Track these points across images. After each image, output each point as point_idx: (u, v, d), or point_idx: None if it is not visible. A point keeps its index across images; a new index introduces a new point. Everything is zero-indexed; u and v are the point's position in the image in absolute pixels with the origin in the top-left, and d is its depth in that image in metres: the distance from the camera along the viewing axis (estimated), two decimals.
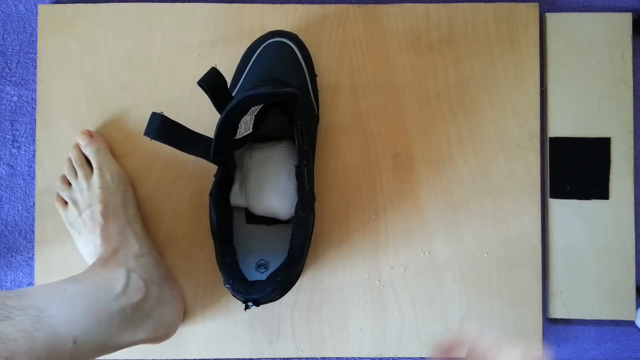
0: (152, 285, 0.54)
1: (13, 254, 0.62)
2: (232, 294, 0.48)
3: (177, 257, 0.60)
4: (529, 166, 0.60)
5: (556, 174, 0.61)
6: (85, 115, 0.60)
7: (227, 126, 0.46)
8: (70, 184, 0.58)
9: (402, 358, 0.60)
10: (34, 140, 0.62)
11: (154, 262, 0.56)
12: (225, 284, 0.49)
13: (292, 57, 0.56)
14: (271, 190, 0.54)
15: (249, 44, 0.58)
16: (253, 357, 0.60)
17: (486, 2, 0.61)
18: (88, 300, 0.46)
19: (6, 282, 0.62)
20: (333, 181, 0.60)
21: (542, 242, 0.60)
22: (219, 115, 0.46)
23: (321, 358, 0.61)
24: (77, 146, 0.58)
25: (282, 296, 0.52)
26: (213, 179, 0.52)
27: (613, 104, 0.61)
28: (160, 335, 0.54)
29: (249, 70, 0.56)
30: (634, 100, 0.61)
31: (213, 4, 0.61)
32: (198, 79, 0.44)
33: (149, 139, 0.45)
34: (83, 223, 0.55)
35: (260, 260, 0.56)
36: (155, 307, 0.53)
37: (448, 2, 0.61)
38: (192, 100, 0.60)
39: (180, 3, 0.61)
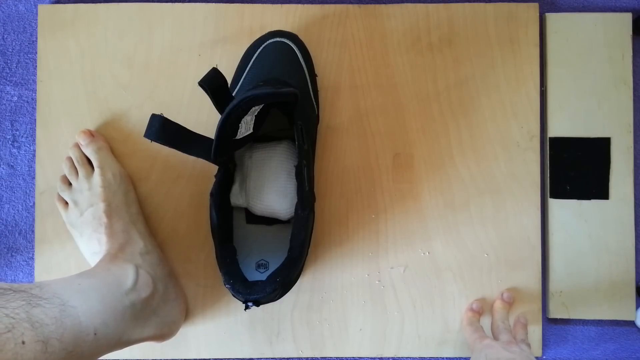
0: (158, 282, 0.54)
1: (13, 254, 0.62)
2: (232, 294, 0.49)
3: (177, 257, 0.60)
4: (529, 166, 0.60)
5: (556, 174, 0.61)
6: (85, 115, 0.60)
7: (227, 127, 0.46)
8: (70, 184, 0.58)
9: (402, 358, 0.60)
10: (34, 140, 0.62)
11: (159, 259, 0.57)
12: (225, 284, 0.49)
13: (292, 57, 0.56)
14: (271, 190, 0.54)
15: (249, 44, 0.58)
16: (253, 357, 0.60)
17: (486, 2, 0.61)
18: (103, 294, 0.47)
19: (6, 282, 0.62)
20: (333, 181, 0.60)
21: (542, 242, 0.60)
22: (220, 116, 0.46)
23: (321, 358, 0.61)
24: (78, 145, 0.58)
25: (282, 296, 0.52)
26: (213, 179, 0.52)
27: (613, 104, 0.61)
28: (165, 332, 0.54)
29: (249, 70, 0.56)
30: (634, 100, 0.61)
31: (213, 4, 0.61)
32: (198, 79, 0.44)
33: (149, 140, 0.45)
34: (85, 222, 0.55)
35: (260, 260, 0.56)
36: (161, 305, 0.53)
37: (448, 2, 0.61)
38: (192, 101, 0.60)
39: (180, 3, 0.61)
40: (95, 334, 0.43)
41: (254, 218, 0.57)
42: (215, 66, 0.46)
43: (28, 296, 0.40)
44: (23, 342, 0.36)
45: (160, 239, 0.60)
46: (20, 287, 0.41)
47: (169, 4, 0.61)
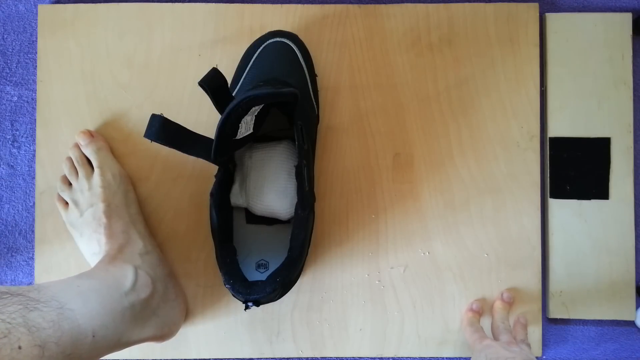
0: (158, 282, 0.54)
1: (13, 254, 0.62)
2: (232, 294, 0.49)
3: (177, 257, 0.60)
4: (529, 166, 0.60)
5: (556, 174, 0.61)
6: (85, 115, 0.60)
7: (227, 127, 0.46)
8: (70, 184, 0.58)
9: (402, 358, 0.60)
10: (34, 140, 0.62)
11: (159, 260, 0.57)
12: (225, 284, 0.49)
13: (292, 57, 0.56)
14: (271, 190, 0.54)
15: (249, 44, 0.58)
16: (253, 357, 0.60)
17: (486, 2, 0.61)
18: (102, 295, 0.47)
19: (6, 282, 0.62)
20: (333, 181, 0.60)
21: (542, 242, 0.60)
22: (219, 116, 0.46)
23: (321, 358, 0.61)
24: (78, 146, 0.58)
25: (282, 296, 0.52)
26: (213, 179, 0.52)
27: (613, 104, 0.60)
28: (165, 333, 0.54)
29: (249, 70, 0.56)
30: (634, 100, 0.61)
31: (213, 4, 0.61)
32: (198, 79, 0.44)
33: (150, 140, 0.45)
34: (85, 223, 0.55)
35: (260, 260, 0.56)
36: (160, 305, 0.53)
37: (448, 2, 0.61)
38: (192, 101, 0.60)
39: (180, 3, 0.61)
40: (93, 336, 0.43)
41: (254, 218, 0.57)
42: (215, 66, 0.46)
43: (25, 300, 0.40)
44: (19, 347, 0.36)
45: (160, 239, 0.60)
46: (18, 290, 0.41)
47: (169, 4, 0.61)
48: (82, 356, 0.42)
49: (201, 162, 0.51)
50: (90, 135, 0.58)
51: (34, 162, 0.61)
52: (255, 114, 0.50)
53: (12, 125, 0.62)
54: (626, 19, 0.61)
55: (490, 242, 0.60)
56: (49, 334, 0.39)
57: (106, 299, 0.47)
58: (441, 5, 0.61)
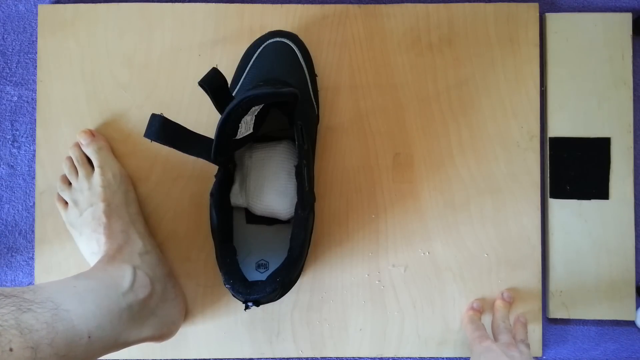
0: (156, 282, 0.54)
1: (13, 254, 0.62)
2: (232, 294, 0.49)
3: (177, 257, 0.60)
4: (529, 166, 0.60)
5: (556, 174, 0.61)
6: (85, 115, 0.60)
7: (227, 126, 0.46)
8: (70, 184, 0.58)
9: (402, 358, 0.60)
10: (34, 140, 0.62)
11: (158, 260, 0.57)
12: (225, 284, 0.49)
13: (292, 57, 0.56)
14: (271, 190, 0.54)
15: (249, 44, 0.58)
16: (253, 357, 0.60)
17: (486, 2, 0.61)
18: (99, 296, 0.47)
19: (6, 282, 0.62)
20: (333, 181, 0.60)
21: (542, 242, 0.60)
22: (219, 116, 0.46)
23: (321, 358, 0.61)
24: (78, 145, 0.58)
25: (282, 296, 0.52)
26: (213, 179, 0.52)
27: (613, 104, 0.61)
28: (164, 333, 0.54)
29: (249, 70, 0.56)
30: (634, 100, 0.61)
31: (213, 4, 0.61)
32: (198, 79, 0.44)
33: (150, 140, 0.45)
34: (85, 222, 0.55)
35: (260, 260, 0.56)
36: (159, 305, 0.53)
37: (448, 2, 0.61)
38: (192, 101, 0.60)
39: (180, 3, 0.61)
40: (89, 337, 0.43)
41: (254, 218, 0.57)
42: (215, 66, 0.46)
43: (19, 301, 0.40)
44: (11, 349, 0.36)
45: (160, 239, 0.60)
46: (12, 291, 0.41)
47: (169, 4, 0.61)
48: (77, 357, 0.42)
49: (201, 162, 0.51)
50: (92, 134, 0.58)
51: (34, 162, 0.61)
52: (255, 114, 0.50)
53: (12, 125, 0.62)
54: (626, 19, 0.61)
55: (490, 242, 0.60)
56: (42, 336, 0.39)
57: (103, 299, 0.47)
58: (441, 5, 0.61)
